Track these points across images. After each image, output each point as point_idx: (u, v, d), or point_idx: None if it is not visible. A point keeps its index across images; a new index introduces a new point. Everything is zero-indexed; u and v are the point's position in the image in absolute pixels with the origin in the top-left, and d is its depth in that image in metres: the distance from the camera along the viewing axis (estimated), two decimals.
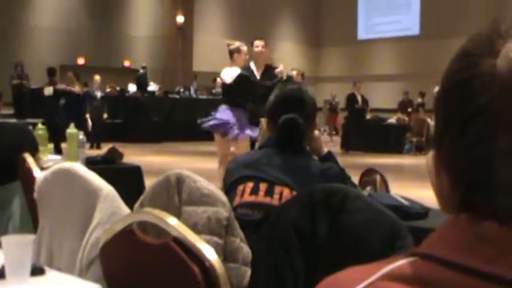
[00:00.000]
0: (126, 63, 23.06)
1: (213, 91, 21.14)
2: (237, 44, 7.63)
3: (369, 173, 2.86)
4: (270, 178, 2.43)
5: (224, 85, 7.44)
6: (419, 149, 16.82)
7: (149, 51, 23.35)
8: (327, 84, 25.22)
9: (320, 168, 2.45)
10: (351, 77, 23.78)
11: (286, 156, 2.45)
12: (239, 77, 7.12)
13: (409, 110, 17.54)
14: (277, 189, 2.42)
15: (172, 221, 1.83)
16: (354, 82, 17.79)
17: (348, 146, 17.13)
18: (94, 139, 15.58)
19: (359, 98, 17.47)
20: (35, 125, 6.13)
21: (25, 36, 21.51)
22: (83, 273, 2.27)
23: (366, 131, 17.67)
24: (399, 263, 0.61)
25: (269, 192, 2.42)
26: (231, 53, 7.46)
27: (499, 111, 0.57)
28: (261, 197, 2.43)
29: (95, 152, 13.83)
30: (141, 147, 16.18)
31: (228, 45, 7.67)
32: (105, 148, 14.91)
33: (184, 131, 18.63)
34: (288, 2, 25.89)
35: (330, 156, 2.66)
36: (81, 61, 22.05)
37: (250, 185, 2.45)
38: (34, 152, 3.43)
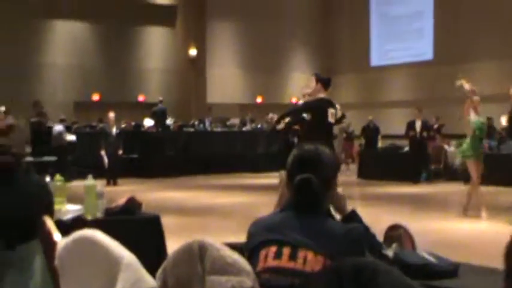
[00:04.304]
0: (141, 98, 23.20)
1: (227, 123, 21.19)
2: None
3: (394, 228, 2.80)
4: (292, 242, 2.38)
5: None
6: (437, 177, 16.63)
7: (163, 85, 23.50)
8: None
9: (343, 229, 2.40)
10: (365, 103, 23.77)
11: (306, 218, 2.41)
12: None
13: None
14: (301, 253, 2.37)
15: None
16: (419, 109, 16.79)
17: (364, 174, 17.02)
18: (110, 175, 15.61)
19: (418, 125, 16.50)
20: (51, 169, 6.14)
21: (40, 75, 21.73)
22: None
23: (382, 159, 17.58)
24: None
25: (293, 257, 2.37)
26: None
27: None
28: (284, 262, 2.38)
29: (112, 189, 13.90)
30: (158, 182, 16.19)
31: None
32: (122, 185, 14.87)
33: (200, 165, 18.63)
34: (299, 32, 26.01)
35: (354, 215, 2.61)
36: (96, 97, 22.22)
37: (273, 249, 2.40)
38: (51, 212, 3.42)
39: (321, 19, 26.66)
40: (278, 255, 2.39)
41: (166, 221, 9.34)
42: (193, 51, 24.06)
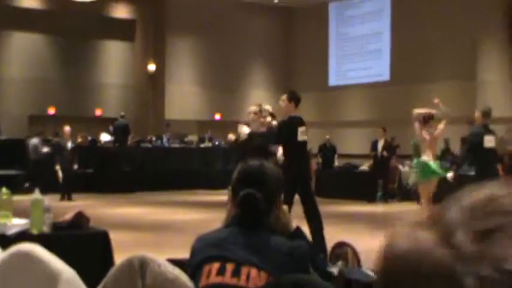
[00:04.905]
0: (98, 112, 22.96)
1: (185, 139, 21.09)
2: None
3: (339, 246, 2.79)
4: (236, 258, 2.36)
5: None
6: (392, 196, 16.87)
7: (121, 100, 23.29)
8: None
9: (288, 246, 2.39)
10: (323, 123, 23.92)
11: (251, 234, 2.40)
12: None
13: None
14: (244, 269, 2.35)
15: None
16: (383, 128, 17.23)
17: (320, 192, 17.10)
18: (65, 190, 15.39)
19: (380, 144, 16.99)
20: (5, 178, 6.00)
21: None
22: None
23: (338, 178, 17.74)
24: None
25: (236, 273, 2.35)
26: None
27: None
28: (227, 278, 2.36)
29: (66, 204, 13.69)
30: (113, 198, 16.00)
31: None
32: (77, 200, 14.65)
33: (157, 181, 18.50)
34: (259, 51, 26.11)
35: (298, 233, 2.60)
36: (51, 111, 21.90)
37: (216, 265, 2.38)
38: None
39: (280, 38, 26.82)
40: (221, 271, 2.36)
41: (119, 237, 9.25)
42: (152, 67, 23.94)
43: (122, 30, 23.32)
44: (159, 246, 8.76)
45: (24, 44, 21.86)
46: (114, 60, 23.65)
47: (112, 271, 2.34)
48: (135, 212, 13.53)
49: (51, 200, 13.04)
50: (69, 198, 15.35)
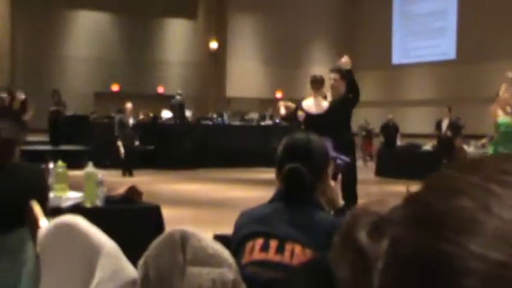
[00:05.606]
0: (160, 90, 23.19)
1: (246, 117, 21.09)
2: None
3: None
4: (280, 234, 2.29)
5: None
6: None
7: (182, 77, 23.46)
8: (360, 109, 24.93)
9: (333, 223, 2.29)
10: (385, 102, 23.56)
11: (295, 209, 2.32)
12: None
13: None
14: (289, 246, 2.28)
15: None
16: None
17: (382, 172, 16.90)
18: (126, 166, 15.60)
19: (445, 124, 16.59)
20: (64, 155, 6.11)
21: (60, 66, 21.82)
22: None
23: (401, 158, 17.41)
24: None
25: (280, 250, 2.28)
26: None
27: None
28: (271, 255, 2.29)
29: (127, 180, 13.89)
30: (173, 175, 16.14)
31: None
32: (138, 176, 14.87)
33: (217, 158, 18.56)
34: (321, 27, 25.82)
35: (346, 209, 2.50)
36: (115, 88, 22.25)
37: (260, 241, 2.31)
38: (43, 199, 3.34)
39: (343, 14, 26.46)
40: (265, 247, 2.30)
41: (175, 213, 9.32)
42: (213, 44, 23.98)
43: (184, 8, 23.44)
44: (215, 223, 8.77)
45: (90, 23, 22.25)
46: (177, 38, 23.81)
47: (153, 245, 2.30)
48: (194, 188, 13.61)
49: (113, 176, 13.25)
50: (130, 174, 15.55)
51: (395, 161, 17.45)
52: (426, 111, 22.91)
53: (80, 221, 2.40)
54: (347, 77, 7.89)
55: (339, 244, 0.59)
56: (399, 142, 19.44)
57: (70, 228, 2.39)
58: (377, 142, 20.45)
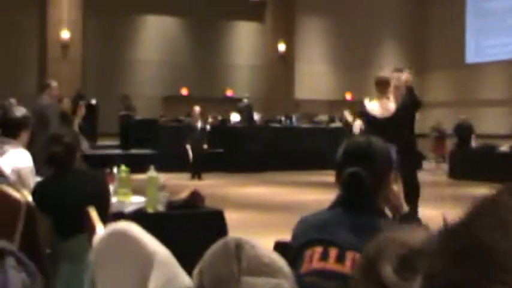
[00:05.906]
0: (228, 93, 23.27)
1: (315, 119, 20.90)
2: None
3: None
4: (340, 242, 2.16)
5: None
6: None
7: (251, 80, 23.48)
8: (432, 110, 24.42)
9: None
10: (458, 102, 22.95)
11: (356, 216, 2.18)
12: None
13: None
14: (349, 254, 2.14)
15: None
16: None
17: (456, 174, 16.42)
18: (195, 169, 15.68)
19: None
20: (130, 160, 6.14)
21: (130, 71, 22.18)
22: None
23: (475, 159, 16.87)
24: None
25: (340, 259, 2.15)
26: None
27: None
28: (331, 264, 2.16)
29: (196, 183, 13.94)
30: (241, 178, 16.11)
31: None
32: (207, 179, 14.92)
33: (286, 161, 18.44)
34: (390, 28, 25.39)
35: (410, 216, 2.35)
36: (184, 92, 22.46)
37: (318, 250, 2.19)
38: (105, 205, 3.32)
39: (413, 13, 25.94)
40: (324, 256, 2.17)
41: (241, 217, 9.24)
42: (282, 46, 23.89)
43: (252, 11, 23.46)
44: (282, 226, 8.66)
45: (158, 28, 22.54)
46: (245, 40, 23.85)
47: (208, 253, 2.20)
48: (262, 192, 13.53)
49: (181, 179, 13.31)
50: (199, 178, 15.62)
51: (469, 162, 16.92)
52: (502, 111, 22.20)
53: (133, 228, 2.33)
54: (410, 94, 7.79)
55: (359, 278, 0.48)
56: (474, 143, 18.89)
57: (123, 235, 2.32)
58: (450, 143, 19.93)
